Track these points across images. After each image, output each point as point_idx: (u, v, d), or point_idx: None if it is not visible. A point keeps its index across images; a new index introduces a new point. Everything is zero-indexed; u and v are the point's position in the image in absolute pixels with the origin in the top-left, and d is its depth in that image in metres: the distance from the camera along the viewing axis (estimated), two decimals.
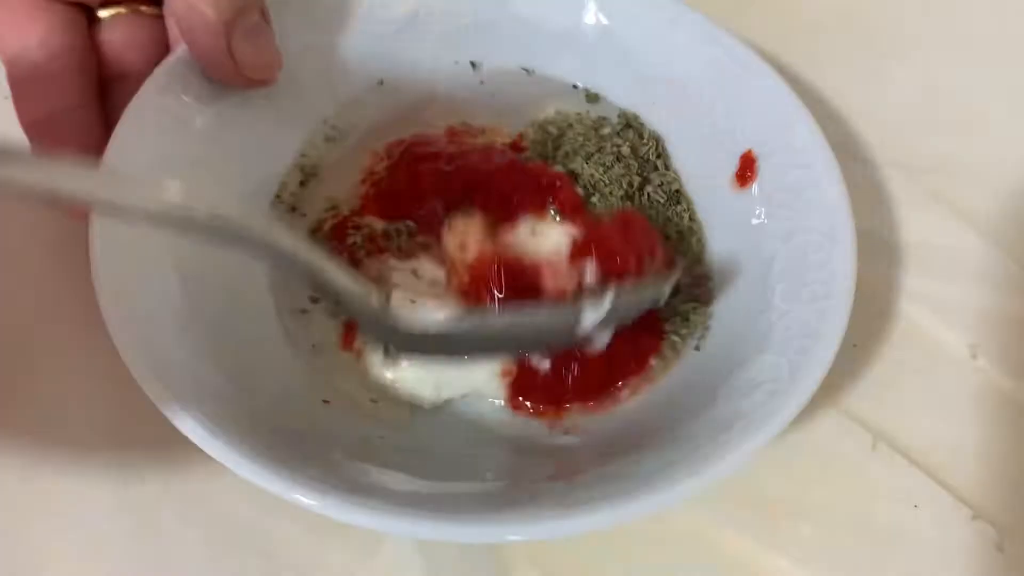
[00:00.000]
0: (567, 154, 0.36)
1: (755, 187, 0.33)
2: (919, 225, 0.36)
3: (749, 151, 0.34)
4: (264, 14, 0.32)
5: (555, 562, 0.29)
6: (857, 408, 0.32)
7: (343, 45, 0.37)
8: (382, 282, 0.31)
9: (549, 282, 0.30)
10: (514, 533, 0.25)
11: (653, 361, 0.32)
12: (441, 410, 0.31)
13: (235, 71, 0.31)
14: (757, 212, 0.33)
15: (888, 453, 0.31)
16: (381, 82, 0.38)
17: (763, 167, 0.33)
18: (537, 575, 0.29)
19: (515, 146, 0.37)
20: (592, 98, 0.38)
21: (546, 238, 0.31)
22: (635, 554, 0.29)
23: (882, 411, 0.32)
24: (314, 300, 0.32)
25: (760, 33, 0.39)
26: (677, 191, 0.35)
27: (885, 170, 0.37)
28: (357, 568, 0.29)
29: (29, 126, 0.31)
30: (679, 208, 0.35)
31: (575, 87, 0.39)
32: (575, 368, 0.31)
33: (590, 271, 0.30)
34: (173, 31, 0.33)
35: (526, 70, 0.39)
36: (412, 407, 0.31)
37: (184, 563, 0.28)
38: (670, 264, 0.32)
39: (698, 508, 0.30)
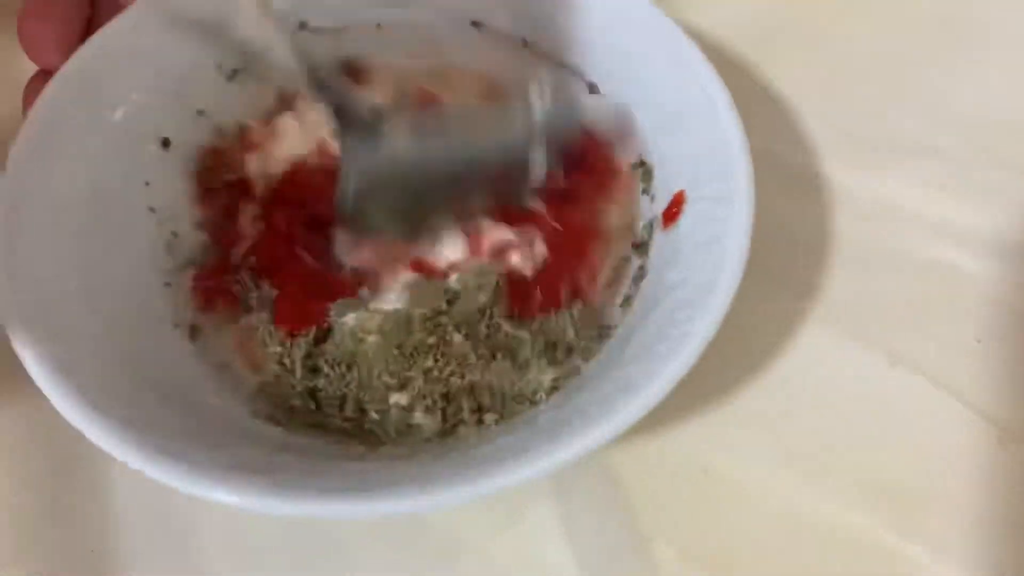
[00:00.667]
0: None
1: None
2: None
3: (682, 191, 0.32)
4: None
5: (693, 542, 0.30)
6: (982, 403, 0.32)
7: None
8: None
9: None
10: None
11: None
12: None
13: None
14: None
15: (1015, 448, 0.31)
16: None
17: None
18: (672, 549, 0.30)
19: None
20: (593, 89, 0.36)
21: None
22: (770, 540, 0.30)
23: (1007, 407, 0.32)
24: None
25: (859, 35, 0.41)
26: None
27: (994, 171, 0.37)
28: (500, 537, 0.30)
29: None
30: None
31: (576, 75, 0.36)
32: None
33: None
34: None
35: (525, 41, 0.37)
36: None
37: (344, 533, 0.31)
38: None
39: (833, 496, 0.31)
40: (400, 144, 0.31)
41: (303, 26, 0.36)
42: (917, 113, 0.39)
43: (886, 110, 0.39)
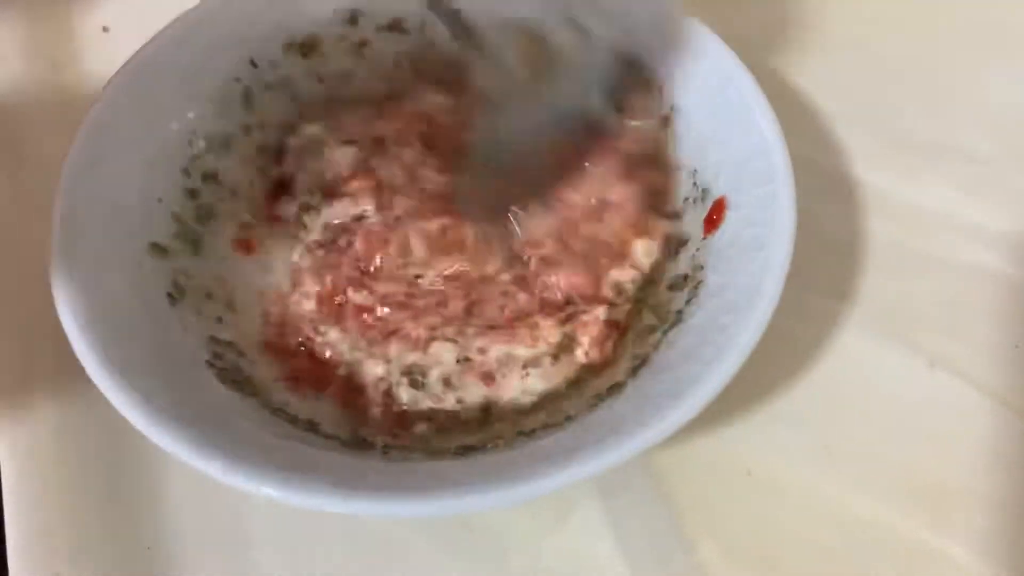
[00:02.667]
0: None
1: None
2: None
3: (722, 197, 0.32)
4: None
5: (737, 540, 0.31)
6: (1021, 405, 0.33)
7: None
8: None
9: None
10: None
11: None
12: None
13: None
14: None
15: None
16: None
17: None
18: (718, 549, 0.30)
19: None
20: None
21: None
22: (813, 539, 0.31)
23: None
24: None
25: (893, 39, 0.42)
26: None
27: None
28: (548, 535, 0.31)
29: None
30: None
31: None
32: None
33: None
34: None
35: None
36: None
37: (392, 533, 0.31)
38: None
39: (874, 495, 0.31)
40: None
41: (354, 16, 0.37)
42: (951, 117, 0.40)
43: (920, 114, 0.40)
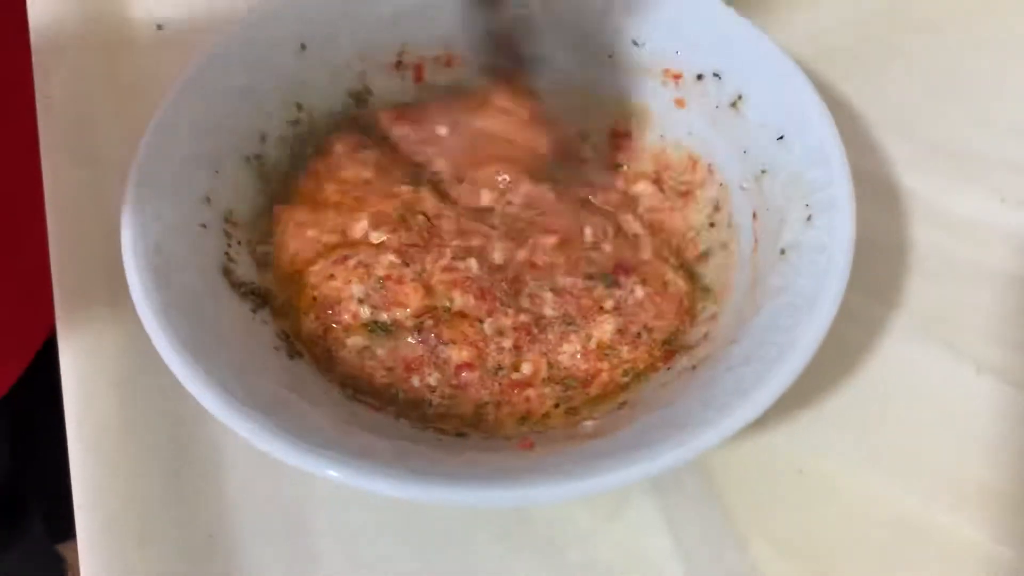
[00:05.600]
0: None
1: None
2: None
3: None
4: None
5: (789, 538, 0.31)
6: None
7: None
8: None
9: None
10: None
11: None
12: None
13: None
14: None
15: None
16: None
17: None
18: (770, 546, 0.31)
19: None
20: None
21: None
22: (863, 539, 0.31)
23: None
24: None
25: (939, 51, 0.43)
26: None
27: None
28: (603, 529, 0.31)
29: None
30: None
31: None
32: None
33: None
34: None
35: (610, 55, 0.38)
36: None
37: (450, 524, 0.32)
38: None
39: (923, 497, 0.32)
40: None
41: None
42: (996, 128, 0.40)
43: (965, 124, 0.41)
